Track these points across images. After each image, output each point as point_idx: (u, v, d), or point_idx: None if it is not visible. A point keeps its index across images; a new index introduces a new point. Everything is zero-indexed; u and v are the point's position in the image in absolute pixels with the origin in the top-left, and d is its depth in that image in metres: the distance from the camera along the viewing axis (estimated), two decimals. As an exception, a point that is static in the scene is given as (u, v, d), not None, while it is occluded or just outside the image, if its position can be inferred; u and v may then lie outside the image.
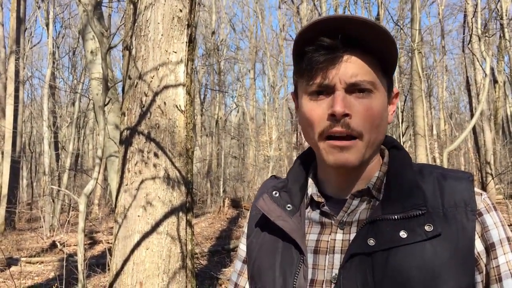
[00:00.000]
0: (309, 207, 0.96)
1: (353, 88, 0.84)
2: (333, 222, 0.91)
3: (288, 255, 0.91)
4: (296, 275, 0.88)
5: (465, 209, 0.84)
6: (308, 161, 1.03)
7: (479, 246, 0.83)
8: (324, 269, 0.87)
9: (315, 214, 0.94)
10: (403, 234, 0.82)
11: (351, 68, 0.84)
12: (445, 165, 5.94)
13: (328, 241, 0.89)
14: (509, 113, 21.99)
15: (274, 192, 0.99)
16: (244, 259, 1.05)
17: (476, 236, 0.83)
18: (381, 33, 0.82)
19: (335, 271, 0.85)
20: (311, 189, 0.96)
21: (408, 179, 0.89)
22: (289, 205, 0.96)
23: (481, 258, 0.83)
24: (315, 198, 0.94)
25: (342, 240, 0.88)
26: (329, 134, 0.85)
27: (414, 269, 0.79)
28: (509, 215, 9.64)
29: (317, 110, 0.86)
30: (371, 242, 0.83)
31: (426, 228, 0.82)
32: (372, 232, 0.84)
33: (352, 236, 0.87)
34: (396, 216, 0.84)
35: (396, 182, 0.89)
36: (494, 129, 16.19)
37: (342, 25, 0.82)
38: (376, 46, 0.84)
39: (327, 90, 0.85)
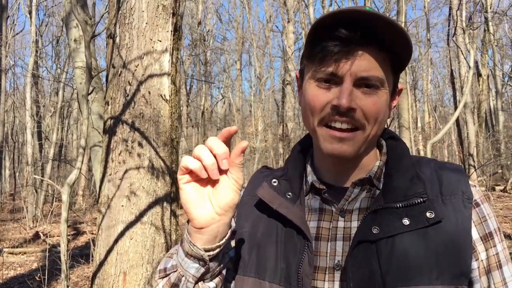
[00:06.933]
0: (308, 195, 0.97)
1: (361, 83, 0.85)
2: (334, 209, 0.92)
3: (291, 241, 0.91)
4: (301, 261, 0.88)
5: (462, 197, 0.88)
6: (305, 149, 1.03)
7: (474, 235, 0.86)
8: (326, 256, 0.88)
9: (315, 201, 0.95)
10: (405, 221, 0.85)
11: (363, 63, 0.84)
12: (429, 157, 6.04)
13: (329, 228, 0.90)
14: (492, 106, 22.28)
15: (273, 181, 0.99)
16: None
17: (473, 225, 0.87)
18: (402, 35, 0.83)
19: (338, 258, 0.87)
20: (311, 176, 0.97)
21: (408, 169, 0.91)
22: (289, 193, 0.96)
23: (477, 246, 0.86)
24: (316, 185, 0.95)
25: (344, 227, 0.90)
26: (329, 122, 0.86)
27: (418, 254, 0.82)
28: (491, 206, 9.79)
29: (322, 97, 0.87)
30: (375, 230, 0.85)
31: (428, 215, 0.85)
32: (376, 221, 0.86)
33: (354, 223, 0.89)
34: (398, 205, 0.86)
35: (396, 172, 0.91)
36: (477, 122, 16.41)
37: (362, 20, 0.83)
38: (393, 45, 0.85)
39: (335, 80, 0.86)
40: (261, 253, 0.94)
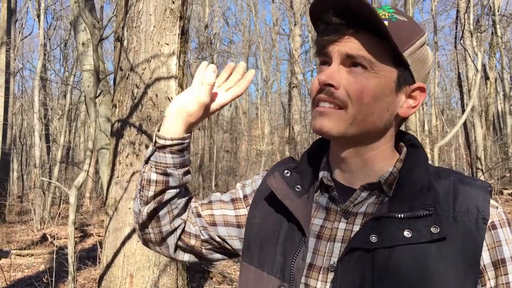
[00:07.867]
0: (318, 191, 0.96)
1: (349, 62, 0.84)
2: (338, 210, 0.90)
3: (291, 235, 0.91)
4: (296, 255, 0.88)
5: (477, 217, 0.81)
6: (324, 146, 1.01)
7: (486, 259, 0.81)
8: (324, 256, 0.87)
9: (323, 199, 0.94)
10: (407, 233, 0.80)
11: (351, 43, 0.84)
12: (436, 160, 5.96)
13: (331, 228, 0.89)
14: (500, 110, 22.16)
15: (285, 171, 0.99)
16: (235, 200, 1.07)
17: (485, 248, 0.81)
18: (377, 20, 0.81)
19: (334, 259, 0.85)
20: (323, 172, 0.95)
21: (421, 178, 0.86)
22: (298, 186, 0.95)
23: (486, 271, 0.81)
24: (325, 181, 0.93)
25: (345, 229, 0.88)
26: (316, 100, 0.87)
27: (415, 270, 0.78)
28: None
29: (315, 80, 0.88)
30: (373, 238, 0.81)
31: (432, 229, 0.79)
32: (376, 229, 0.82)
33: (355, 227, 0.87)
34: (402, 215, 0.82)
35: (408, 180, 0.87)
36: (485, 125, 16.31)
37: (349, 4, 0.82)
38: (378, 30, 0.82)
39: (328, 62, 0.87)
40: (264, 244, 0.94)
